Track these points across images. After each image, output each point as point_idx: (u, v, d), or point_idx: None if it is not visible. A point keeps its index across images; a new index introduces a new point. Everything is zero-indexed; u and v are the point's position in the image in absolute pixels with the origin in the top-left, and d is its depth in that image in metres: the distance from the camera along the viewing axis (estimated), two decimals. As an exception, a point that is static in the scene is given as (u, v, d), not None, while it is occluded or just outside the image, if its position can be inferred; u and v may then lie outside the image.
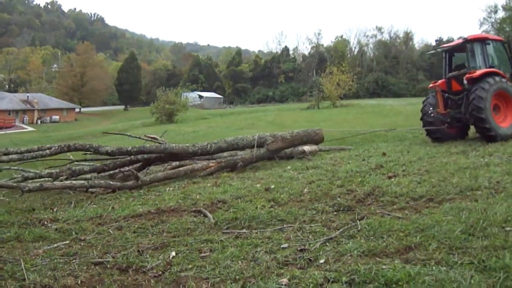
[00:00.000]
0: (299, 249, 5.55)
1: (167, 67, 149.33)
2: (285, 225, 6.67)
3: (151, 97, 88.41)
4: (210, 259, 5.44)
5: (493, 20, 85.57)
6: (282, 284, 4.54)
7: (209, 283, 4.77)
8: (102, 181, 12.42)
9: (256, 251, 5.59)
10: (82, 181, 12.30)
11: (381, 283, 4.33)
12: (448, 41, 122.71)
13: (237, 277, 4.85)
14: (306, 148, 15.31)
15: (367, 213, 6.88)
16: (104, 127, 59.48)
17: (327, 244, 5.65)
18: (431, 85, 17.16)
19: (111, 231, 7.20)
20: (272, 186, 9.50)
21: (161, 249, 6.10)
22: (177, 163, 14.28)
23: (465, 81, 15.68)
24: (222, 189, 9.91)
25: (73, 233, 7.19)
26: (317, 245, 5.59)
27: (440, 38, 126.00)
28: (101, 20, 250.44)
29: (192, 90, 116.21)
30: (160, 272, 5.20)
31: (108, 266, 5.47)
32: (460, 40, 17.26)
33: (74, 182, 12.26)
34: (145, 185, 12.22)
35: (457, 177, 8.69)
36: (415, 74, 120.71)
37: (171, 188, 11.09)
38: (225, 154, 14.85)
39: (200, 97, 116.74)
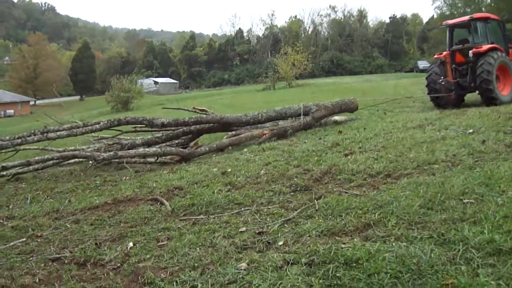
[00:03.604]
0: (257, 232, 5.51)
1: (121, 54, 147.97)
2: (242, 209, 6.62)
3: (106, 85, 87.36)
4: (168, 248, 5.37)
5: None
6: (241, 269, 4.48)
7: (168, 272, 4.69)
8: (173, 149, 12.87)
9: (214, 237, 5.52)
10: (155, 148, 12.66)
11: (341, 262, 4.30)
12: (402, 17, 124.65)
13: (196, 264, 4.78)
14: (337, 118, 16.18)
15: (324, 192, 6.85)
16: (60, 119, 58.68)
17: (285, 225, 5.62)
18: (435, 56, 19.59)
19: (68, 225, 7.06)
20: (229, 170, 9.39)
21: (118, 240, 6.01)
22: (233, 132, 14.83)
23: (470, 54, 17.56)
24: (179, 175, 9.79)
25: (30, 229, 7.01)
26: (275, 227, 5.55)
27: (394, 15, 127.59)
28: (52, 9, 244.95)
29: (147, 77, 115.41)
30: (119, 264, 5.11)
31: (66, 261, 5.36)
32: (466, 18, 19.01)
33: (148, 149, 12.76)
34: (213, 151, 12.70)
35: (414, 152, 8.70)
36: (370, 51, 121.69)
37: (127, 177, 10.92)
38: (267, 124, 15.29)
39: (156, 83, 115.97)
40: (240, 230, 5.68)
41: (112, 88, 62.15)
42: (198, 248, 5.22)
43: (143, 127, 14.95)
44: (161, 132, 15.00)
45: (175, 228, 6.17)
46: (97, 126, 13.27)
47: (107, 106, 64.14)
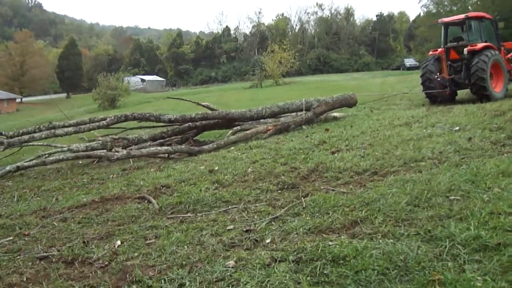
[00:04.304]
0: (244, 230, 5.51)
1: (108, 52, 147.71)
2: (230, 207, 6.60)
3: (93, 83, 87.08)
4: (155, 246, 5.35)
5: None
6: (229, 267, 4.48)
7: (156, 270, 4.67)
8: (184, 146, 13.03)
9: (202, 235, 5.51)
10: (166, 147, 12.81)
11: (328, 259, 4.31)
12: (389, 15, 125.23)
13: (184, 262, 4.78)
14: (337, 114, 16.65)
15: (311, 190, 6.85)
16: (47, 116, 58.38)
17: (273, 223, 5.62)
18: (431, 52, 20.10)
19: (55, 224, 6.98)
20: (216, 168, 9.37)
21: (106, 238, 5.97)
22: (238, 127, 14.85)
23: (465, 52, 18.24)
24: (166, 173, 9.74)
25: (17, 228, 6.92)
26: (262, 225, 5.55)
27: (380, 13, 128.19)
28: (39, 6, 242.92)
29: (134, 74, 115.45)
30: (107, 262, 5.07)
31: (54, 260, 5.32)
32: (462, 16, 19.69)
33: (159, 148, 12.74)
34: (221, 148, 12.61)
35: (400, 149, 8.74)
36: (356, 49, 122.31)
37: (114, 176, 10.89)
38: (269, 120, 15.46)
39: (143, 80, 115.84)
40: (227, 228, 5.68)
41: (99, 85, 62.08)
42: (185, 246, 5.21)
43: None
44: (165, 127, 15.29)
45: (162, 226, 6.14)
46: (104, 122, 13.43)
47: (94, 104, 63.95)
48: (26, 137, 12.83)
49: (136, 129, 16.12)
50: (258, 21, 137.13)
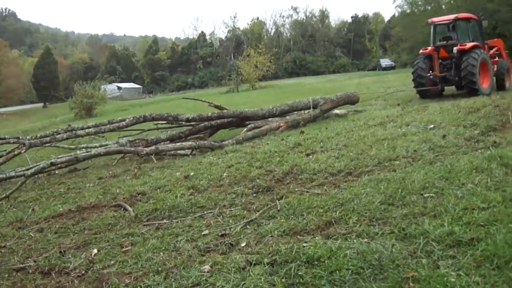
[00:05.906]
0: (220, 234, 5.52)
1: (84, 60, 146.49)
2: (205, 212, 6.59)
3: (69, 92, 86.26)
4: (132, 253, 5.33)
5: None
6: (204, 272, 4.48)
7: (132, 277, 4.67)
8: (206, 142, 13.97)
9: (177, 241, 5.52)
10: (191, 142, 13.45)
11: (302, 261, 4.34)
12: (364, 16, 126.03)
13: (159, 268, 4.78)
14: (338, 111, 17.17)
15: (286, 192, 6.88)
16: (23, 127, 57.82)
17: (248, 226, 5.64)
18: (421, 51, 21.15)
19: (32, 234, 6.92)
20: (192, 173, 9.34)
21: (83, 247, 5.93)
22: (252, 125, 15.42)
23: (455, 51, 19.53)
24: (142, 180, 9.73)
25: (-7, 240, 6.88)
26: (237, 229, 5.57)
27: (355, 14, 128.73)
28: (13, 15, 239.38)
29: (110, 82, 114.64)
30: (83, 271, 5.05)
31: (30, 271, 5.28)
32: (451, 17, 21.15)
33: (184, 143, 13.54)
34: (239, 143, 13.11)
35: (375, 149, 8.81)
36: (332, 51, 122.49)
37: (91, 184, 10.83)
38: (276, 119, 16.08)
39: (119, 88, 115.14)
40: (203, 233, 5.68)
41: (75, 94, 61.61)
42: (161, 253, 5.21)
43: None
44: (181, 128, 16.18)
45: (138, 233, 6.12)
46: (123, 123, 14.08)
47: (70, 113, 63.47)
48: (47, 138, 13.28)
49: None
50: (234, 25, 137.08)
